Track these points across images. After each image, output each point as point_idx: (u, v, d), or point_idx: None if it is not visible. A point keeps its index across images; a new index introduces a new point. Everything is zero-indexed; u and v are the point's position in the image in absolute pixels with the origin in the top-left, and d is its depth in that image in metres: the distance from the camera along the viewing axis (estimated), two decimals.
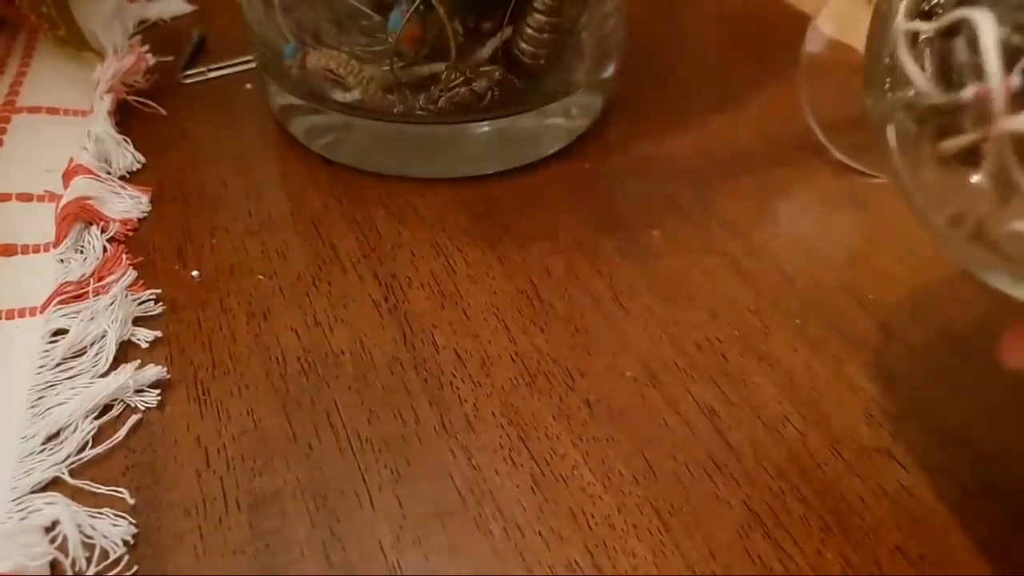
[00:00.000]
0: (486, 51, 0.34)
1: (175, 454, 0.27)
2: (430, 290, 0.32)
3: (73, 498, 0.25)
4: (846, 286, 0.31)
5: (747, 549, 0.24)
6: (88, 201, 0.33)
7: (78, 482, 0.26)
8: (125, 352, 0.29)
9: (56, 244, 0.33)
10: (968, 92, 0.19)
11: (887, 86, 0.22)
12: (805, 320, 0.30)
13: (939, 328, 0.30)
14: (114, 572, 0.24)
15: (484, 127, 0.36)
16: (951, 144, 0.20)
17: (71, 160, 0.35)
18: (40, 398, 0.28)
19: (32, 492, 0.25)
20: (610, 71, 0.39)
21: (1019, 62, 0.19)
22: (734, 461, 0.26)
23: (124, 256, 0.32)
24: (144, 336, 0.30)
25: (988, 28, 0.19)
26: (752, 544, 0.24)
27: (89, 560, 0.24)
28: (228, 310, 0.31)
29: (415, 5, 0.32)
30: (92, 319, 0.30)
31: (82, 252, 0.32)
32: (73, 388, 0.28)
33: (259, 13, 0.37)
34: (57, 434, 0.27)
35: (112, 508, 0.25)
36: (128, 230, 0.34)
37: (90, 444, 0.27)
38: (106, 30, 0.41)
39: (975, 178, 0.20)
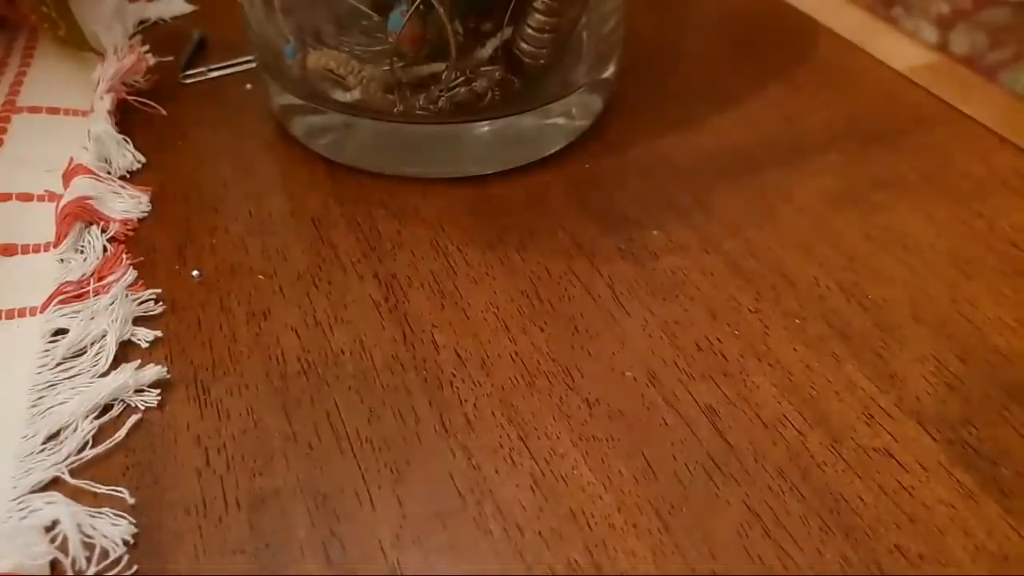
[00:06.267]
0: (486, 51, 0.34)
1: (175, 454, 0.27)
2: (430, 290, 0.32)
3: (73, 498, 0.25)
4: (846, 286, 0.31)
5: (747, 549, 0.24)
6: (88, 201, 0.33)
7: (78, 482, 0.26)
8: (125, 352, 0.29)
9: (56, 244, 0.33)
10: None
11: None
12: (805, 320, 0.30)
13: (939, 328, 0.30)
14: (114, 572, 0.24)
15: (484, 127, 0.36)
16: None
17: (71, 160, 0.35)
18: (40, 398, 0.28)
19: (32, 492, 0.25)
20: (610, 71, 0.39)
21: None
22: (734, 461, 0.26)
23: (124, 256, 0.32)
24: (144, 336, 0.30)
25: None
26: (752, 544, 0.24)
27: (89, 560, 0.24)
28: (228, 310, 0.31)
29: (415, 5, 0.32)
30: (92, 319, 0.30)
31: (82, 252, 0.32)
32: (73, 388, 0.28)
33: (259, 13, 0.37)
34: (57, 434, 0.27)
35: (112, 508, 0.25)
36: (128, 230, 0.34)
37: (90, 444, 0.27)
38: (106, 30, 0.41)
39: None
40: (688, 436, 0.27)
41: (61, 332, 0.29)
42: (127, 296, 0.31)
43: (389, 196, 0.36)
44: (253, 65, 0.42)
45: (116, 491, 0.25)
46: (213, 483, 0.26)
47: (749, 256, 0.33)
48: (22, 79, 0.40)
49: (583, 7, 0.35)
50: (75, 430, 0.27)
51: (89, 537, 0.24)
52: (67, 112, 0.39)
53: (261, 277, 0.32)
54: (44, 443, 0.26)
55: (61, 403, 0.27)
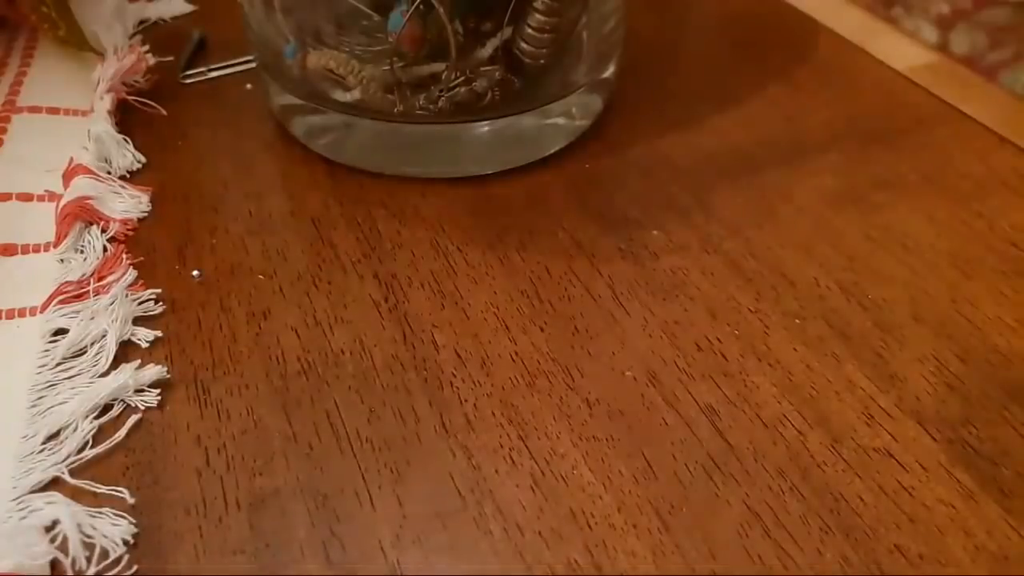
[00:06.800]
0: (486, 51, 0.34)
1: (175, 454, 0.27)
2: (430, 290, 0.32)
3: (73, 498, 0.25)
4: (846, 286, 0.31)
5: (747, 549, 0.24)
6: (88, 201, 0.33)
7: (78, 482, 0.26)
8: (125, 352, 0.29)
9: (56, 244, 0.33)
10: None
11: None
12: (805, 320, 0.30)
13: (939, 328, 0.30)
14: (114, 572, 0.24)
15: (484, 127, 0.36)
16: None
17: (71, 160, 0.35)
18: (40, 398, 0.28)
19: (32, 492, 0.25)
20: (610, 71, 0.39)
21: None
22: (734, 461, 0.26)
23: (124, 256, 0.32)
24: (144, 336, 0.30)
25: None
26: (752, 544, 0.24)
27: (89, 560, 0.24)
28: (228, 310, 0.31)
29: (415, 5, 0.32)
30: (92, 319, 0.30)
31: (82, 252, 0.32)
32: (73, 388, 0.28)
33: (259, 13, 0.37)
34: (57, 434, 0.27)
35: (112, 508, 0.25)
36: (128, 230, 0.34)
37: (90, 444, 0.27)
38: (106, 30, 0.41)
39: None
40: (688, 436, 0.27)
41: (61, 332, 0.29)
42: (127, 296, 0.31)
43: (389, 196, 0.36)
44: (253, 65, 0.42)
45: (116, 491, 0.25)
46: (213, 483, 0.26)
47: (749, 256, 0.33)
48: (22, 79, 0.40)
49: (583, 7, 0.35)
50: (75, 430, 0.27)
51: (89, 537, 0.24)
52: (67, 112, 0.39)
53: (261, 277, 0.32)
54: (44, 443, 0.26)
55: (61, 403, 0.27)
